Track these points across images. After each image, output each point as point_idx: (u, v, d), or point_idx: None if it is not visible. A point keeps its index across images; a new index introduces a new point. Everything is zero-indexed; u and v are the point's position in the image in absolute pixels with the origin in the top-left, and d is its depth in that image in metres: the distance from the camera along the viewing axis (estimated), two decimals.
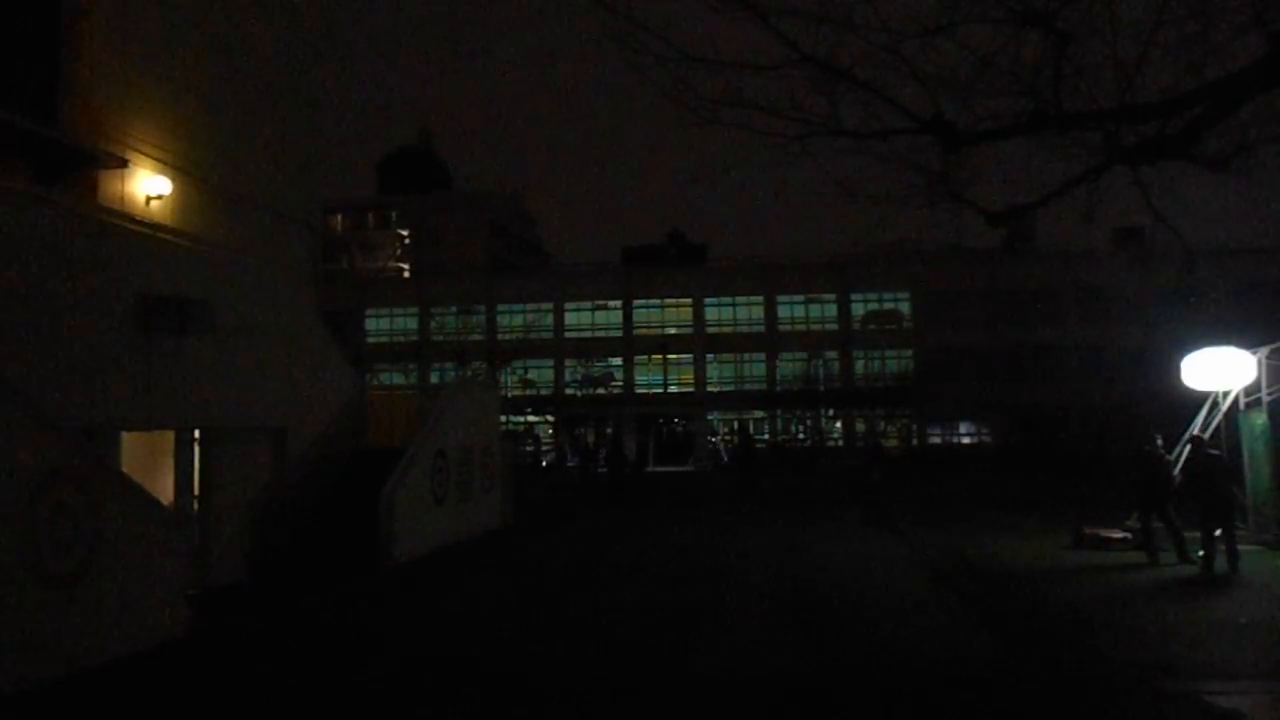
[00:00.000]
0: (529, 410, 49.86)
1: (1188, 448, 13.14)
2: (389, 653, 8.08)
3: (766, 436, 48.03)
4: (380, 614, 10.01)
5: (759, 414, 49.12)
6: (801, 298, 49.65)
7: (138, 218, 11.34)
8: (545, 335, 50.15)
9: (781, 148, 7.72)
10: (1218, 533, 11.07)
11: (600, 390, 49.17)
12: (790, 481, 29.68)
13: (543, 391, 50.24)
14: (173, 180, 13.51)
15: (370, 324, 52.89)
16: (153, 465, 11.39)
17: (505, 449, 18.56)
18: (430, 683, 7.09)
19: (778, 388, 48.51)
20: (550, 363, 50.62)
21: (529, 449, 46.25)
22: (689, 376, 49.92)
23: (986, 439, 47.21)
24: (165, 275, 10.28)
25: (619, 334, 50.57)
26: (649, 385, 50.24)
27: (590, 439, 46.89)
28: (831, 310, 49.41)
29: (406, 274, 63.37)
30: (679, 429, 49.89)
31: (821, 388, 47.48)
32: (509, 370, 48.88)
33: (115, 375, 9.50)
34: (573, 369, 50.47)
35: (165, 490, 10.99)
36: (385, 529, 12.51)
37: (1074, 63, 7.18)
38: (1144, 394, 30.10)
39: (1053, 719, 6.16)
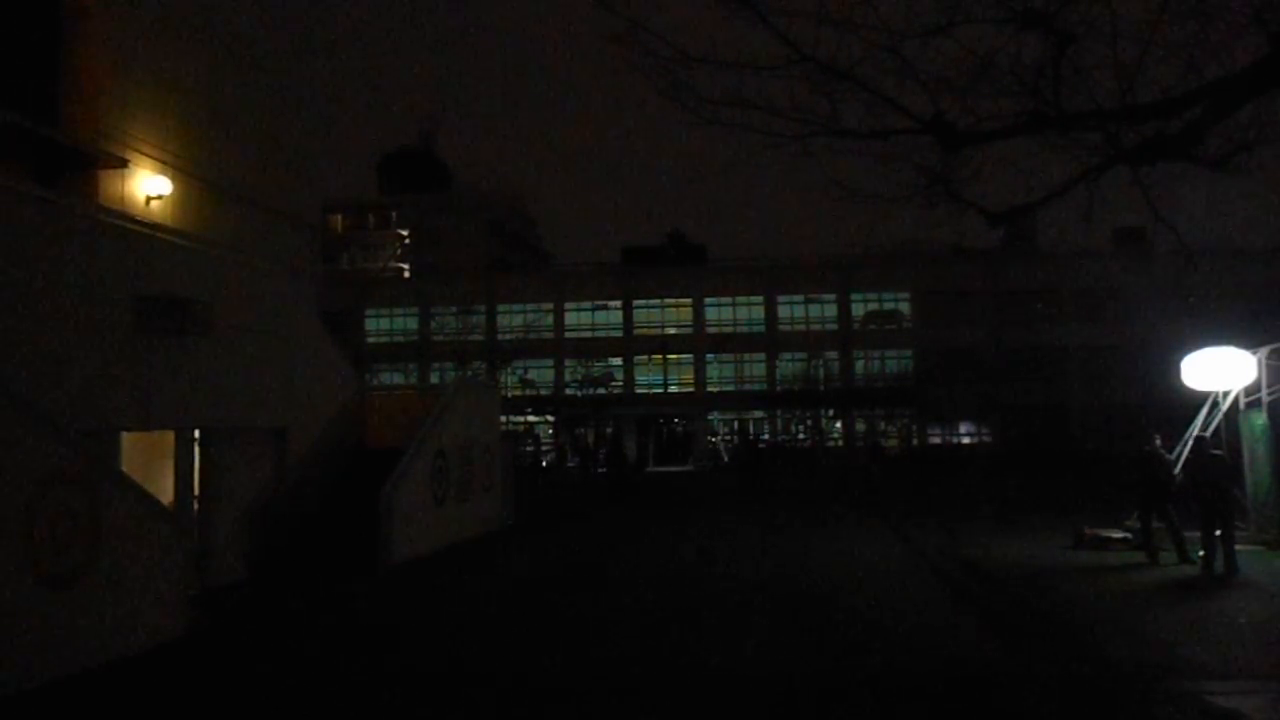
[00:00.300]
0: (529, 410, 49.80)
1: (1188, 447, 13.14)
2: (389, 653, 8.08)
3: (766, 436, 48.04)
4: (380, 614, 10.02)
5: (759, 414, 49.12)
6: (801, 298, 49.58)
7: (138, 218, 11.33)
8: (545, 335, 50.11)
9: (782, 148, 7.72)
10: (1218, 533, 11.07)
11: (600, 390, 49.10)
12: (790, 482, 29.69)
13: (543, 391, 50.16)
14: (173, 180, 13.48)
15: (370, 324, 52.82)
16: (153, 465, 11.37)
17: (505, 449, 18.56)
18: (430, 683, 7.10)
19: (778, 388, 48.51)
20: (550, 363, 50.58)
21: (529, 449, 46.21)
22: (689, 376, 49.89)
23: (986, 439, 47.18)
24: (165, 275, 10.28)
25: (619, 334, 50.54)
26: (649, 385, 50.21)
27: (590, 439, 46.90)
28: (831, 310, 49.37)
29: (406, 274, 63.29)
30: (679, 429, 49.89)
31: (821, 388, 47.46)
32: (509, 370, 48.85)
33: (115, 375, 9.51)
34: (573, 369, 50.41)
35: (165, 490, 10.98)
36: (385, 529, 12.51)
37: (1074, 63, 7.18)
38: (1144, 394, 30.13)
39: (1053, 719, 6.17)
